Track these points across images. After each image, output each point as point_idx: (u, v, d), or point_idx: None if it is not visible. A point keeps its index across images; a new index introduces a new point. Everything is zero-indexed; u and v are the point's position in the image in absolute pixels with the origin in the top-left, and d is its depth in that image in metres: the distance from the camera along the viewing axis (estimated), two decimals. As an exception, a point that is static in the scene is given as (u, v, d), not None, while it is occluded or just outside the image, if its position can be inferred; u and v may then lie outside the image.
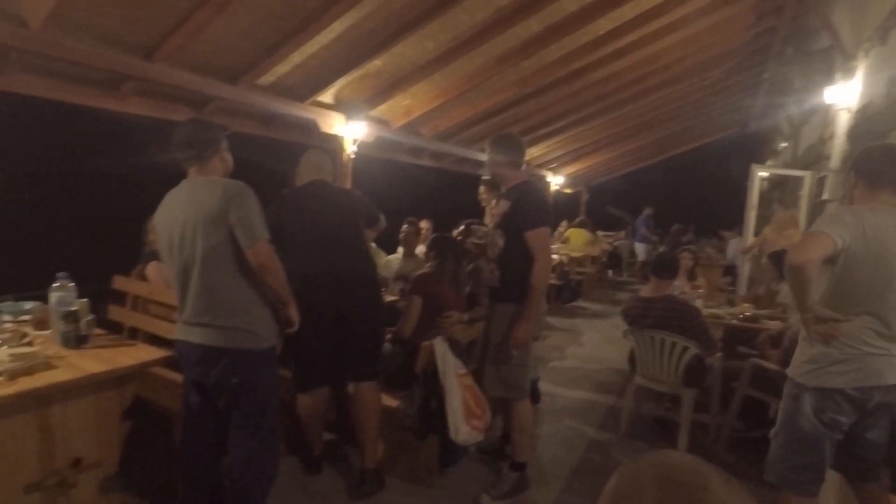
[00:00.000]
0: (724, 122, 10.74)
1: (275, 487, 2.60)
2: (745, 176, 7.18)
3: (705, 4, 4.64)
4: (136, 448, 2.38)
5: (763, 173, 7.06)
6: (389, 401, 2.72)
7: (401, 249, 4.65)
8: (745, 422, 3.44)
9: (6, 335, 2.15)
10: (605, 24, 4.59)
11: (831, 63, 5.21)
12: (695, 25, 5.02)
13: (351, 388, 2.67)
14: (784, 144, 9.33)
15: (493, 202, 4.32)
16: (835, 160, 4.55)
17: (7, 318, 2.49)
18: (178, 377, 2.68)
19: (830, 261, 1.80)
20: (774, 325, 3.68)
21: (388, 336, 2.98)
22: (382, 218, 2.93)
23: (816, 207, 5.57)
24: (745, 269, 7.09)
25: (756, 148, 13.51)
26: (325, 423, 2.84)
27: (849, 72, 4.33)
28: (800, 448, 1.91)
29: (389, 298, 3.76)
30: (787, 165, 8.71)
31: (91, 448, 2.09)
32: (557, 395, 4.18)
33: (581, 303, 7.98)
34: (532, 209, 2.58)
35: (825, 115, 5.42)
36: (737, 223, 11.08)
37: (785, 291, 4.24)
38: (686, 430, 3.22)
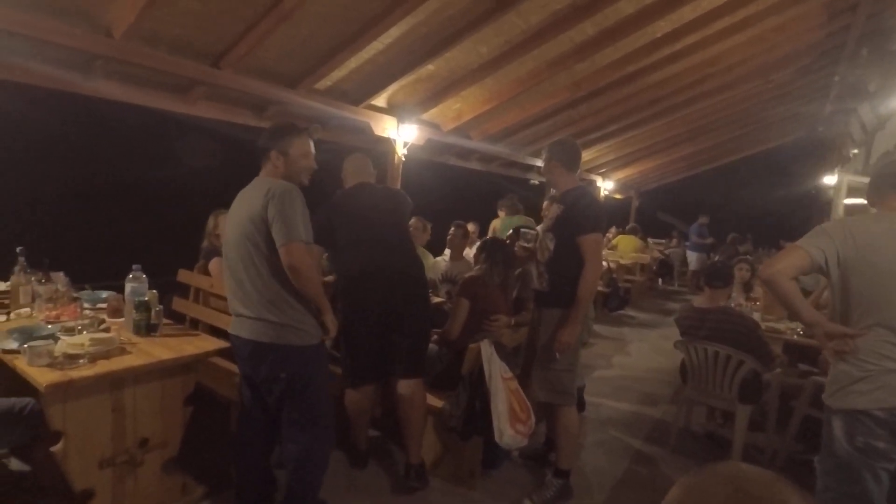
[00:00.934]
0: (788, 128, 10.20)
1: (325, 479, 2.70)
2: (810, 184, 6.78)
3: (773, 3, 4.43)
4: (197, 433, 2.52)
5: (850, 178, 6.58)
6: (435, 401, 2.76)
7: (447, 251, 4.69)
8: (805, 443, 3.27)
9: (86, 321, 2.33)
10: (662, 26, 4.46)
11: (912, 64, 4.86)
12: (761, 25, 4.80)
13: (397, 385, 2.72)
14: (855, 151, 8.75)
15: (545, 204, 4.29)
16: (913, 168, 4.24)
17: (87, 306, 2.69)
18: (234, 367, 2.83)
19: (821, 273, 1.78)
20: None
21: (435, 337, 3.02)
22: (415, 219, 3.05)
23: None
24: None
25: (822, 155, 12.75)
26: (371, 420, 2.90)
27: (932, 74, 4.03)
28: (841, 477, 1.79)
29: (436, 300, 3.81)
30: (858, 173, 8.18)
31: (157, 430, 2.24)
32: (603, 404, 4.10)
33: (629, 311, 7.79)
34: (586, 214, 2.57)
35: (903, 121, 5.07)
36: (799, 233, 10.50)
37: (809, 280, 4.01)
38: (739, 449, 3.09)
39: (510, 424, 2.50)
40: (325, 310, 2.15)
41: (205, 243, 3.53)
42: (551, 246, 2.65)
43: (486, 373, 2.57)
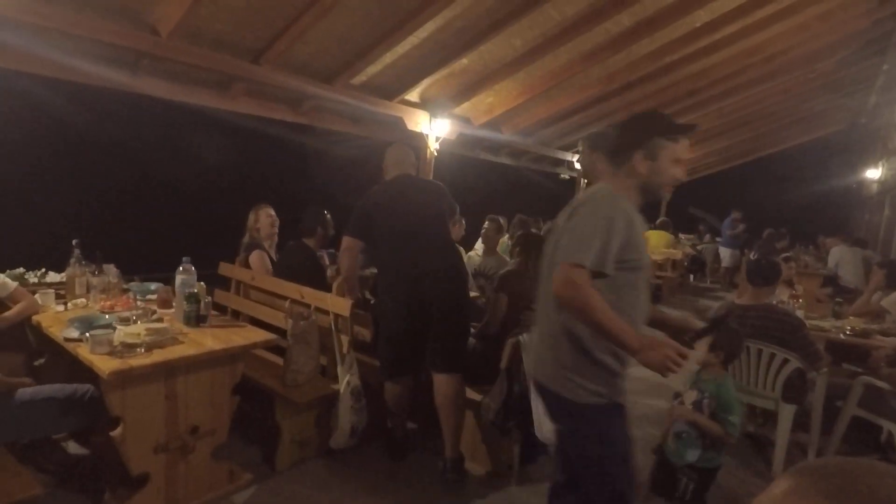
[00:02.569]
0: (829, 119, 9.85)
1: (365, 468, 2.75)
2: (851, 178, 6.55)
3: (818, -10, 4.29)
4: (243, 422, 2.60)
5: None
6: (473, 395, 2.78)
7: (480, 245, 4.69)
8: (852, 445, 3.17)
9: (139, 311, 2.42)
10: (702, 16, 4.36)
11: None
12: (804, 13, 4.64)
13: (435, 379, 2.74)
14: (901, 143, 8.42)
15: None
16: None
17: (137, 297, 2.79)
18: (277, 359, 2.90)
19: None
20: (889, 342, 3.35)
21: (473, 332, 3.03)
22: (457, 210, 2.98)
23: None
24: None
25: (863, 146, 12.28)
26: (410, 412, 2.92)
27: None
28: None
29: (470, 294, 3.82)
30: (904, 166, 7.86)
31: (207, 417, 2.31)
32: (637, 402, 4.02)
33: (661, 308, 7.65)
34: None
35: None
36: (839, 229, 10.15)
37: (890, 301, 3.86)
38: (783, 449, 3.02)
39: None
40: (615, 341, 1.50)
41: (246, 237, 3.62)
42: None
43: (525, 366, 2.56)
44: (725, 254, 10.38)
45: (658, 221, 9.04)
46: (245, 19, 3.16)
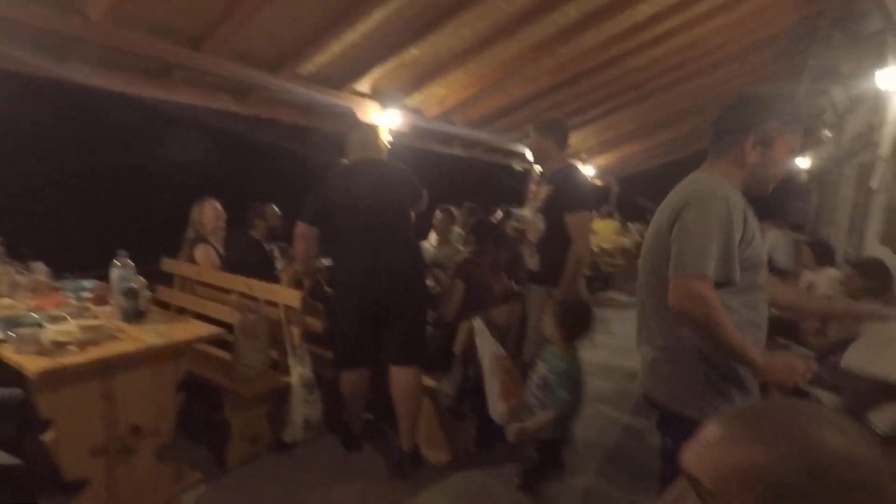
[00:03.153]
0: (764, 111, 10.39)
1: (320, 462, 2.71)
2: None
3: (751, -14, 4.51)
4: (189, 420, 2.51)
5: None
6: (429, 381, 2.78)
7: (433, 236, 4.70)
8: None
9: (72, 309, 2.29)
10: (644, 10, 4.50)
11: (883, 46, 4.98)
12: (739, 8, 4.87)
13: (391, 371, 2.68)
14: (828, 133, 8.99)
15: (533, 189, 4.34)
16: (884, 148, 4.38)
17: (69, 295, 2.63)
18: (225, 354, 2.81)
19: None
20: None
21: (429, 320, 3.03)
22: (424, 195, 2.83)
23: (864, 196, 5.38)
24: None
25: (796, 138, 13.03)
26: (365, 402, 2.88)
27: (903, 55, 4.14)
28: None
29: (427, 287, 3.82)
30: (830, 155, 8.41)
31: (149, 417, 2.22)
32: (590, 382, 4.14)
33: (611, 293, 7.91)
34: (574, 193, 2.60)
35: (874, 102, 5.21)
36: (771, 215, 10.75)
37: (824, 281, 4.13)
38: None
39: (503, 399, 2.53)
40: (750, 361, 1.37)
41: (189, 232, 3.49)
42: (542, 226, 2.68)
43: (479, 350, 2.60)
44: None
45: (606, 211, 9.32)
46: (184, 4, 3.02)
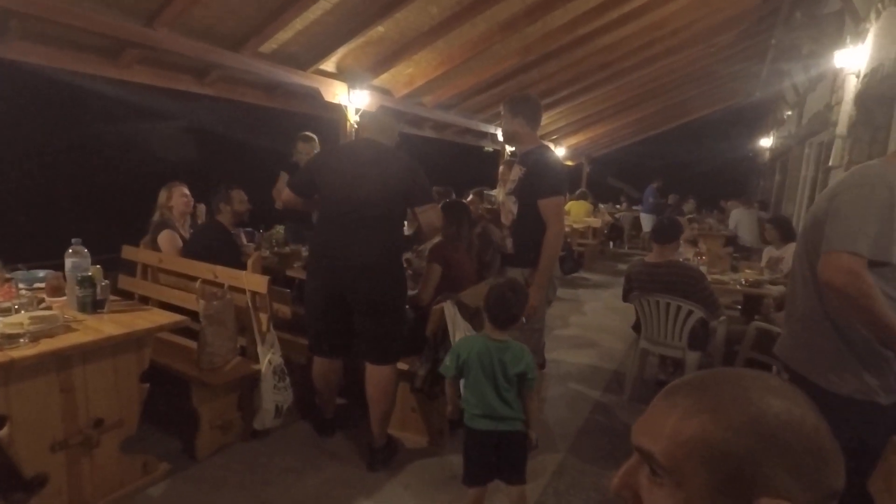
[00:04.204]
0: (729, 92, 10.61)
1: (293, 448, 2.69)
2: (748, 147, 7.13)
3: (714, -34, 4.54)
4: (156, 410, 2.44)
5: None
6: (402, 364, 2.77)
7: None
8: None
9: (23, 300, 2.18)
10: (611, -12, 4.50)
11: (841, 27, 5.11)
12: (703, -12, 4.92)
13: (367, 367, 2.58)
14: (789, 113, 9.24)
15: (502, 169, 4.32)
16: (841, 126, 4.51)
17: (22, 286, 2.51)
18: (192, 343, 2.73)
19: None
20: (776, 290, 3.72)
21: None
22: (433, 203, 2.52)
23: (823, 174, 5.56)
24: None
25: (759, 118, 13.40)
26: (338, 389, 2.83)
27: (859, 35, 4.25)
28: None
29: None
30: (791, 134, 8.65)
31: (112, 409, 2.15)
32: (562, 360, 4.25)
33: (583, 274, 8.03)
34: (547, 176, 2.59)
35: (833, 82, 5.36)
36: (739, 193, 11.07)
37: (789, 256, 4.27)
38: (689, 393, 3.28)
39: (476, 381, 2.54)
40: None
41: (156, 216, 3.38)
42: (514, 209, 2.67)
43: (450, 332, 2.59)
44: (647, 220, 11.00)
45: (577, 192, 9.41)
46: (132, -24, 2.87)
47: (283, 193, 2.64)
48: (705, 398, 0.53)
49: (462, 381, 2.09)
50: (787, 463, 0.48)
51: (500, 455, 2.02)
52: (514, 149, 3.07)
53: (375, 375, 2.55)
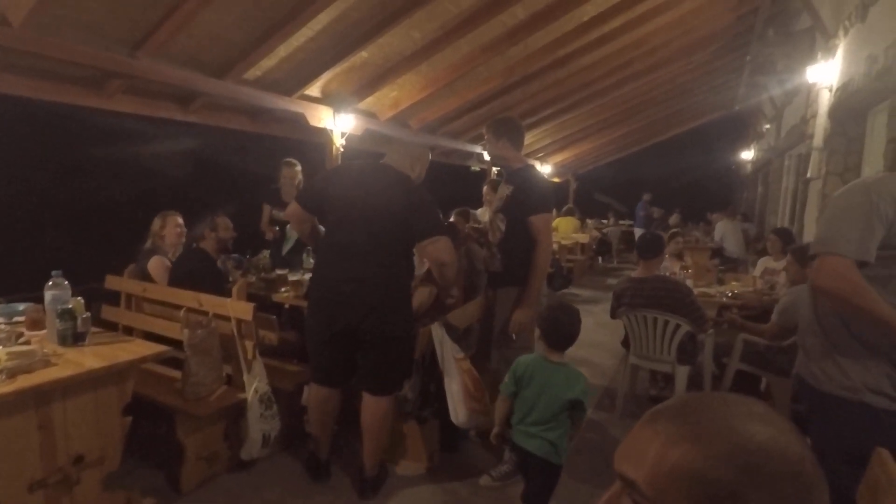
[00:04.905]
0: (710, 107, 10.85)
1: (281, 478, 2.63)
2: (730, 160, 7.26)
3: (688, -13, 4.69)
4: (139, 444, 2.39)
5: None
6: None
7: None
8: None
9: (1, 336, 2.14)
10: (589, 10, 4.61)
11: (813, 43, 5.27)
12: (679, 8, 5.06)
13: (364, 397, 2.49)
14: (768, 126, 9.45)
15: (486, 189, 4.36)
16: (817, 139, 4.63)
17: (1, 320, 2.46)
18: (176, 373, 2.69)
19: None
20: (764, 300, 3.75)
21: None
22: (437, 243, 2.32)
23: (802, 185, 5.67)
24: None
25: (740, 131, 13.68)
26: (333, 424, 2.63)
27: (829, 51, 4.39)
28: None
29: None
30: (770, 147, 8.83)
31: (93, 445, 2.09)
32: (553, 378, 4.23)
33: (572, 289, 8.05)
34: (536, 194, 2.63)
35: (808, 95, 5.50)
36: (724, 206, 11.23)
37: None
38: (681, 407, 3.27)
39: (465, 404, 2.53)
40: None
41: (147, 244, 3.35)
42: (503, 227, 2.68)
43: (439, 355, 2.58)
44: (639, 234, 11.13)
45: (564, 208, 9.49)
46: (117, 6, 2.88)
47: (289, 207, 2.53)
48: (688, 425, 0.53)
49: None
50: (771, 492, 0.48)
51: (535, 477, 2.11)
52: (499, 169, 3.11)
53: (373, 406, 2.46)
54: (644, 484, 0.52)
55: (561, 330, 2.10)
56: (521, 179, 2.68)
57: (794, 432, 0.52)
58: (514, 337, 2.62)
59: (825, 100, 4.51)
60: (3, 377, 1.78)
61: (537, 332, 2.24)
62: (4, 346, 2.02)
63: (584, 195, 14.14)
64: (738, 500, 0.48)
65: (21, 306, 2.60)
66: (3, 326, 2.33)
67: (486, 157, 7.54)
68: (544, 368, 2.09)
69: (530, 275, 2.59)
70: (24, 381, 1.81)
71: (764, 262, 4.61)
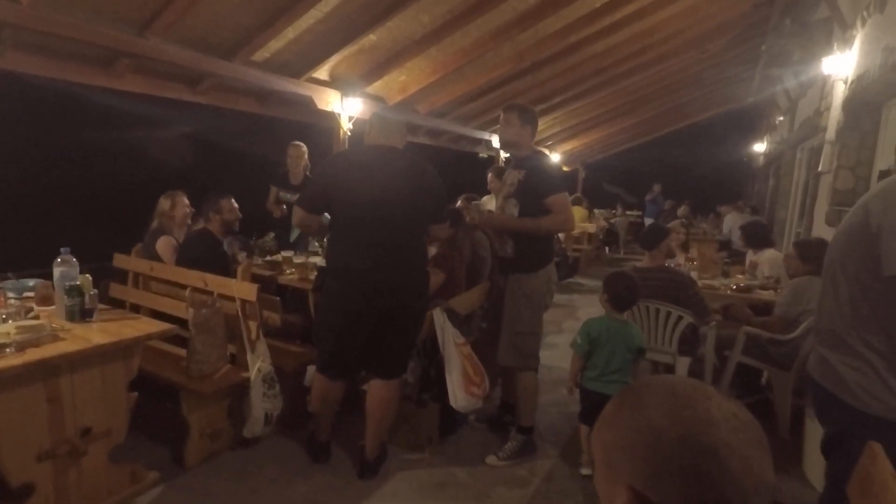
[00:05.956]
0: (723, 97, 10.68)
1: (282, 456, 2.68)
2: (742, 152, 7.17)
3: (703, -26, 4.59)
4: (144, 419, 2.44)
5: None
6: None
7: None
8: (738, 389, 3.52)
9: (11, 310, 2.18)
10: (601, -4, 4.54)
11: (829, 34, 5.16)
12: (693, -4, 4.97)
13: (373, 382, 2.53)
14: (781, 118, 9.30)
15: (490, 177, 4.34)
16: (830, 131, 4.55)
17: (11, 295, 2.51)
18: (181, 351, 2.74)
19: None
20: (766, 295, 3.74)
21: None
22: (446, 226, 2.58)
23: (813, 179, 5.59)
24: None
25: (753, 123, 13.48)
26: (335, 410, 2.66)
27: (846, 42, 4.30)
28: None
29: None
30: (783, 139, 8.70)
31: (100, 418, 2.14)
32: (555, 366, 4.24)
33: (577, 279, 8.05)
34: (550, 175, 2.65)
35: (822, 87, 5.40)
36: (734, 198, 11.13)
37: (765, 262, 4.27)
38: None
39: (464, 388, 2.56)
40: None
41: (154, 223, 3.39)
42: (515, 212, 2.67)
43: (440, 340, 2.61)
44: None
45: (572, 197, 9.42)
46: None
47: (297, 215, 2.49)
48: (619, 410, 0.61)
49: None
50: (650, 465, 0.55)
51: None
52: (508, 156, 3.12)
53: (382, 391, 2.48)
54: (600, 454, 0.62)
55: (622, 294, 2.62)
56: (533, 164, 2.67)
57: (682, 417, 0.56)
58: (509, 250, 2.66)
59: (840, 92, 4.43)
60: (13, 350, 1.83)
61: (604, 295, 2.61)
62: (14, 320, 2.06)
63: (592, 185, 14.05)
64: (622, 464, 0.58)
65: (31, 282, 2.66)
66: (13, 301, 2.37)
67: (496, 140, 7.48)
68: (614, 327, 2.59)
69: (531, 219, 2.57)
70: (32, 355, 1.86)
71: (749, 255, 4.63)
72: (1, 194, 7.28)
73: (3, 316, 2.06)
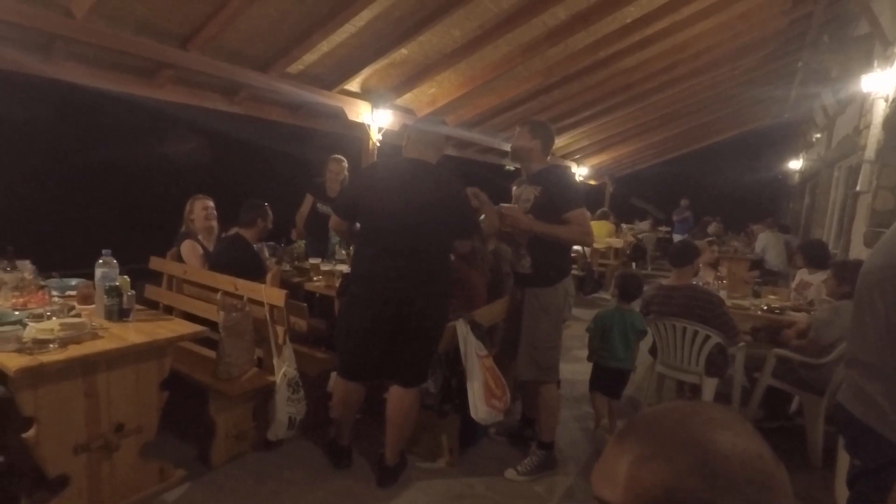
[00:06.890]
0: (756, 113, 10.48)
1: (303, 460, 2.72)
2: (777, 169, 6.99)
3: (738, -10, 4.55)
4: (174, 418, 2.52)
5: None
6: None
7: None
8: (767, 411, 3.42)
9: (55, 307, 2.29)
10: (633, 12, 4.53)
11: (870, 51, 5.03)
12: (727, 12, 4.91)
13: (393, 389, 2.56)
14: (818, 136, 9.06)
15: (514, 188, 4.34)
16: (869, 150, 4.42)
17: (55, 293, 2.63)
18: (211, 353, 2.82)
19: None
20: (799, 317, 3.63)
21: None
22: (469, 241, 2.67)
23: (851, 199, 5.43)
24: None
25: (788, 140, 13.14)
26: (355, 415, 2.72)
27: (888, 59, 4.18)
28: None
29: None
30: (820, 157, 8.47)
31: (132, 415, 2.23)
32: (577, 382, 4.20)
33: (603, 294, 7.94)
34: (570, 190, 2.64)
35: (861, 105, 5.26)
36: (767, 216, 10.84)
37: (818, 283, 4.14)
38: (706, 420, 3.22)
39: (485, 401, 2.56)
40: None
41: (183, 228, 3.51)
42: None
43: (462, 351, 2.62)
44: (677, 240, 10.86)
45: (599, 212, 9.35)
46: (169, 3, 3.03)
47: (332, 220, 2.62)
48: (653, 443, 0.55)
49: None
50: (735, 495, 0.51)
51: (612, 381, 3.25)
52: (517, 166, 3.10)
53: (403, 398, 2.52)
54: None
55: (628, 287, 3.27)
56: (550, 179, 2.64)
57: (749, 431, 0.55)
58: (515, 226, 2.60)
59: (880, 110, 4.30)
60: (56, 346, 1.92)
61: (614, 289, 2.92)
62: (58, 317, 2.17)
63: (620, 199, 13.88)
64: None
65: (73, 281, 2.79)
66: (56, 299, 2.49)
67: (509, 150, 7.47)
68: (620, 314, 3.17)
69: (552, 225, 2.53)
70: (73, 351, 1.95)
71: (801, 274, 4.46)
72: (48, 198, 7.66)
73: (48, 313, 2.17)
